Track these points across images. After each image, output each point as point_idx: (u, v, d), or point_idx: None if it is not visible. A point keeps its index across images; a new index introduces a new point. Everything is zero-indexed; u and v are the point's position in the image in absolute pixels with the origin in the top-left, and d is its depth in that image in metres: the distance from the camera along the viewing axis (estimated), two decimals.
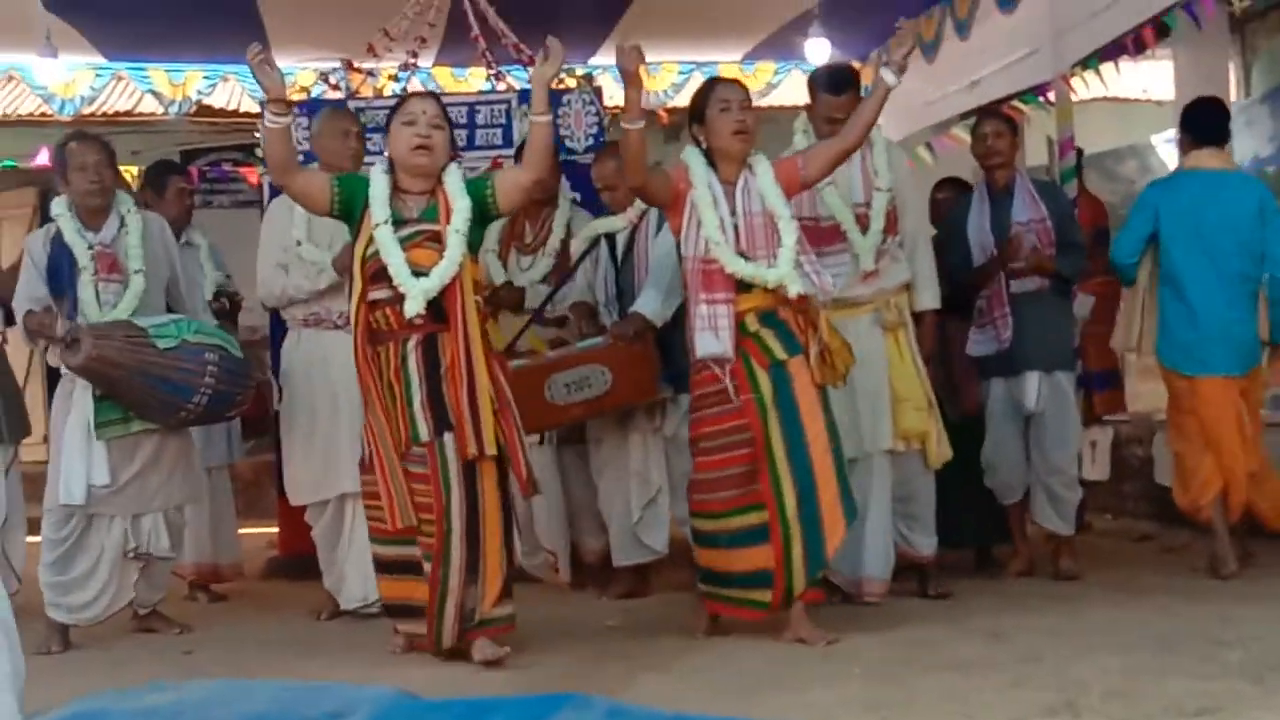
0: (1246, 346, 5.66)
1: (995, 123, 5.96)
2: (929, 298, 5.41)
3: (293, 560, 6.51)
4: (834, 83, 5.23)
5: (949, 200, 6.37)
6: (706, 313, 4.55)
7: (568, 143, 6.80)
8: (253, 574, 6.91)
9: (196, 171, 10.17)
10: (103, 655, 4.94)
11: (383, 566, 4.59)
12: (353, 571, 5.40)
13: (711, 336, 4.53)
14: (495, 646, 4.34)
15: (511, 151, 6.68)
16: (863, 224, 5.18)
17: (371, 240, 4.39)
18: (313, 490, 5.52)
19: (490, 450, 4.33)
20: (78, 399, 5.00)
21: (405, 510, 4.36)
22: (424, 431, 4.34)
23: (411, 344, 4.38)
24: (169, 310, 5.26)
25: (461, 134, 6.79)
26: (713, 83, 4.88)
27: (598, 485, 5.79)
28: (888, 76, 4.67)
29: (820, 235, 5.16)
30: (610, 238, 5.76)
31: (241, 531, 8.19)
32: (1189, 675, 3.67)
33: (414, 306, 4.33)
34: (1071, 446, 5.79)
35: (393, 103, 6.73)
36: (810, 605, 4.57)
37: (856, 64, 9.84)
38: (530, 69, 7.24)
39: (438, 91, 8.49)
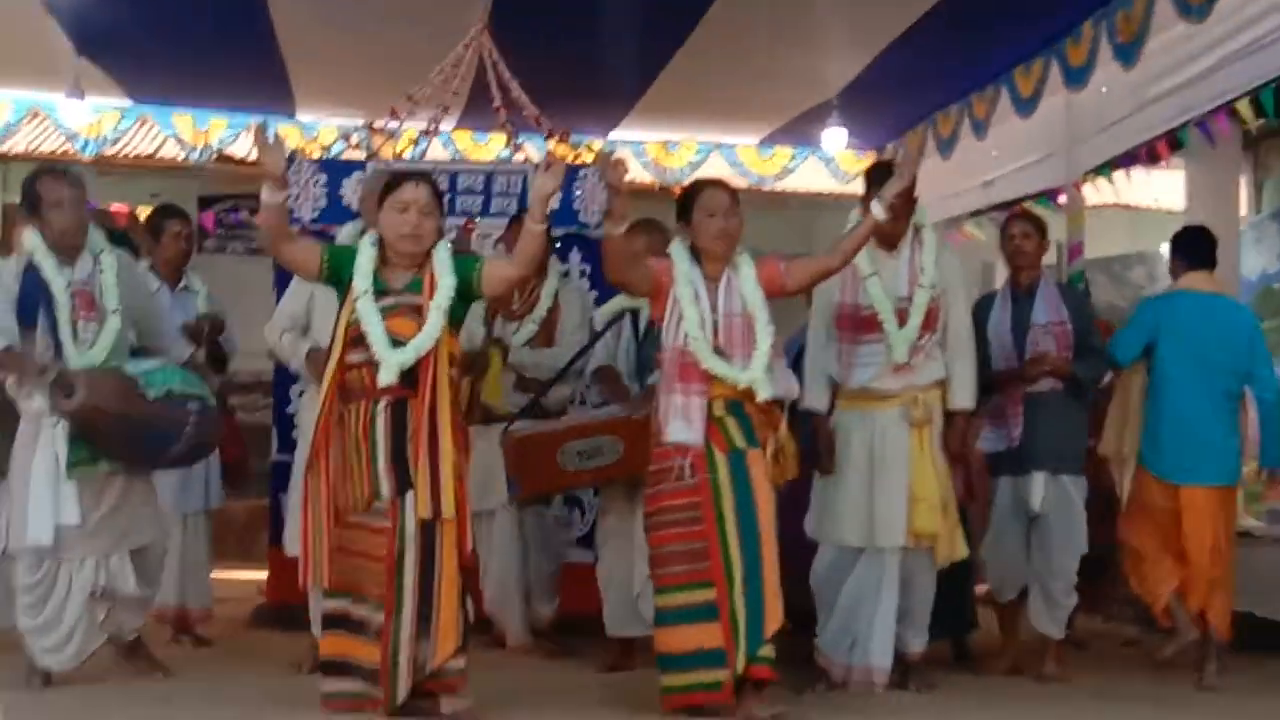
0: (1231, 460, 5.90)
1: (1024, 224, 6.02)
2: (964, 397, 5.42)
3: (280, 609, 6.48)
4: (886, 177, 5.24)
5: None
6: (681, 403, 4.72)
7: (581, 216, 6.86)
8: (240, 620, 6.89)
9: (213, 217, 10.25)
10: (81, 696, 4.92)
11: (333, 622, 4.62)
12: None
13: (684, 425, 4.71)
14: (463, 701, 4.51)
15: None
16: (901, 318, 5.26)
17: (355, 307, 4.56)
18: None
19: (448, 514, 4.47)
20: (45, 437, 4.95)
21: (319, 569, 4.55)
22: (386, 489, 4.50)
23: (381, 405, 4.54)
24: (135, 349, 5.29)
25: (477, 200, 6.91)
26: (700, 186, 5.01)
27: (599, 554, 5.79)
28: (877, 211, 4.89)
29: (859, 324, 5.30)
30: (635, 313, 5.80)
31: (232, 576, 8.26)
32: None
33: (387, 376, 4.50)
34: (1074, 551, 5.73)
35: (411, 166, 6.97)
36: (762, 683, 4.66)
37: (873, 153, 10.03)
38: (548, 141, 7.36)
39: (457, 159, 8.62)
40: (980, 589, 6.30)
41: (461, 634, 4.49)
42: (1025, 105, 7.97)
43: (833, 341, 5.42)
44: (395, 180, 4.74)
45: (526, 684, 5.33)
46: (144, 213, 9.52)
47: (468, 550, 4.54)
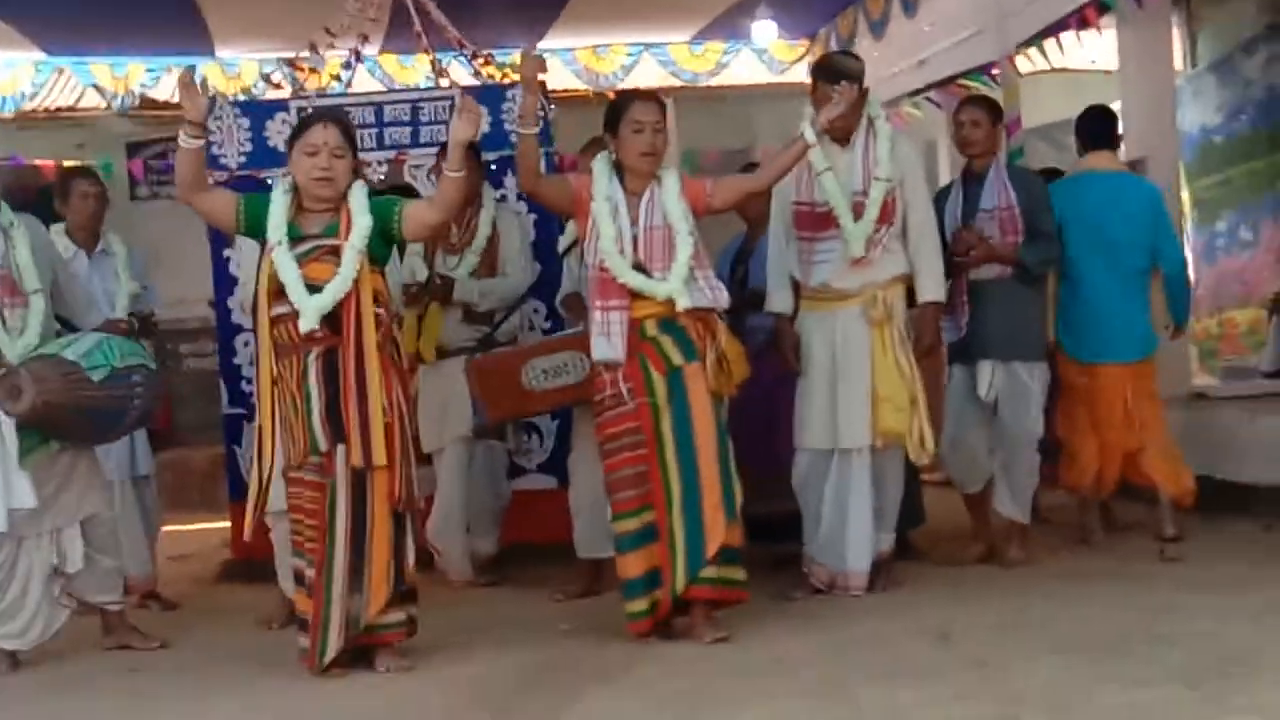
0: (1142, 334, 6.09)
1: (973, 110, 5.96)
2: (932, 288, 5.38)
3: (247, 564, 6.45)
4: (832, 73, 5.20)
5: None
6: (601, 319, 4.74)
7: (513, 138, 6.72)
8: (208, 577, 6.87)
9: (142, 164, 10.06)
10: (51, 675, 4.91)
11: (300, 580, 4.63)
12: None
13: (605, 341, 4.72)
14: (397, 659, 4.53)
15: None
16: (858, 212, 5.21)
17: (272, 258, 4.51)
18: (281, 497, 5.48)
19: (379, 462, 4.45)
20: None
21: (249, 527, 4.73)
22: (322, 442, 4.47)
23: (312, 357, 4.50)
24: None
25: (406, 132, 6.81)
26: (629, 99, 4.92)
27: (571, 478, 5.79)
28: (808, 135, 4.88)
29: (815, 221, 5.27)
30: None
31: (195, 527, 8.24)
32: (1128, 682, 3.71)
33: (307, 322, 4.46)
34: (1032, 436, 5.77)
35: (335, 99, 6.84)
36: (713, 604, 4.70)
37: (805, 42, 9.92)
38: (473, 63, 7.22)
39: (386, 86, 8.46)
40: (934, 477, 6.38)
41: (393, 586, 4.49)
42: None
43: (792, 241, 5.38)
44: (303, 123, 4.66)
45: (489, 617, 5.36)
46: (71, 165, 9.37)
47: (397, 498, 4.50)
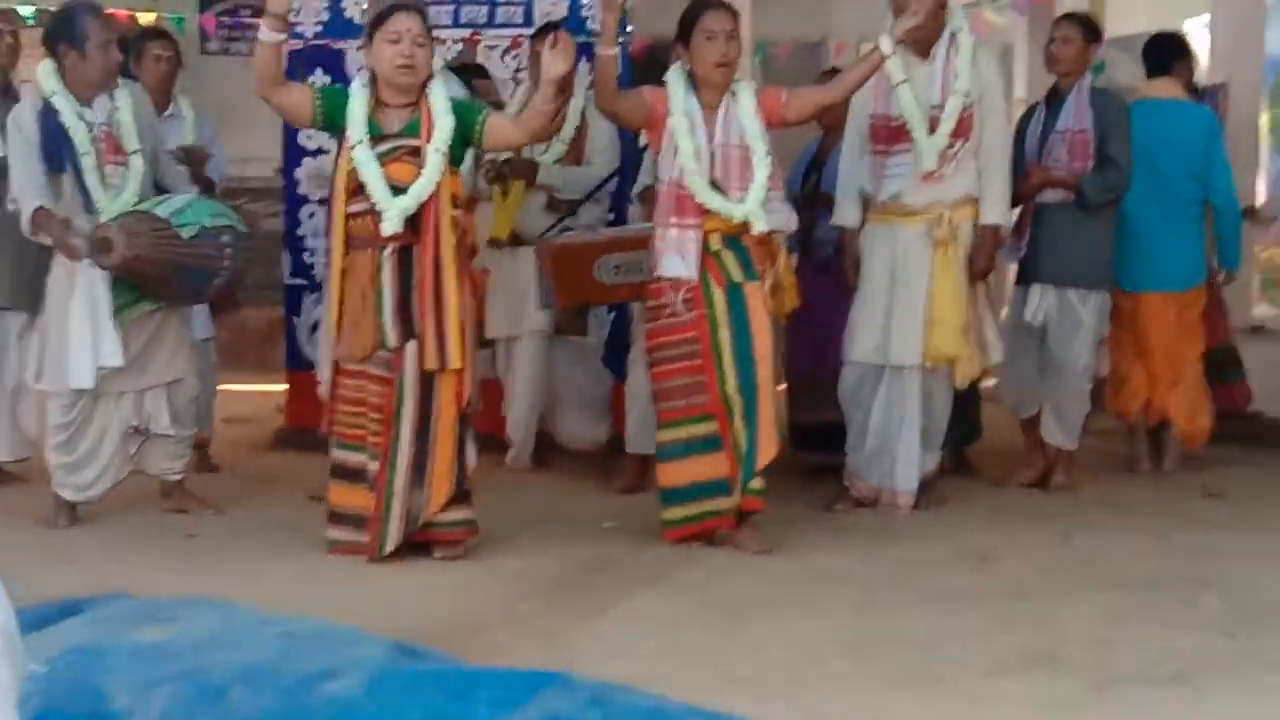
0: (1187, 266, 6.06)
1: (1065, 28, 5.86)
2: (996, 212, 5.28)
3: (300, 433, 6.56)
4: None
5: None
6: (675, 236, 4.70)
7: (589, 24, 6.67)
8: (261, 443, 7.00)
9: (214, 19, 10.03)
10: (108, 535, 5.05)
11: (339, 472, 4.69)
12: None
13: (679, 260, 4.69)
14: (452, 549, 4.62)
15: (530, 31, 6.58)
16: (933, 126, 5.14)
17: (351, 156, 4.50)
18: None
19: (454, 364, 4.51)
20: (82, 279, 4.91)
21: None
22: (391, 338, 4.51)
23: (387, 253, 4.52)
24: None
25: (482, 11, 6.74)
26: (701, 7, 4.78)
27: (629, 372, 5.81)
28: (885, 46, 4.74)
29: (890, 134, 5.22)
30: None
31: (250, 388, 8.36)
32: (1167, 625, 3.77)
33: (390, 226, 4.48)
34: (1079, 364, 5.74)
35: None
36: (750, 514, 4.77)
37: None
38: None
39: None
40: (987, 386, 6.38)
41: (455, 485, 4.56)
42: None
43: (867, 155, 5.31)
44: (385, 11, 4.61)
45: (537, 508, 5.45)
46: (144, 17, 9.35)
47: (464, 400, 4.57)
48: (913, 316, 5.17)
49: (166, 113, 6.19)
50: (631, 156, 6.32)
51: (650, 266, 4.80)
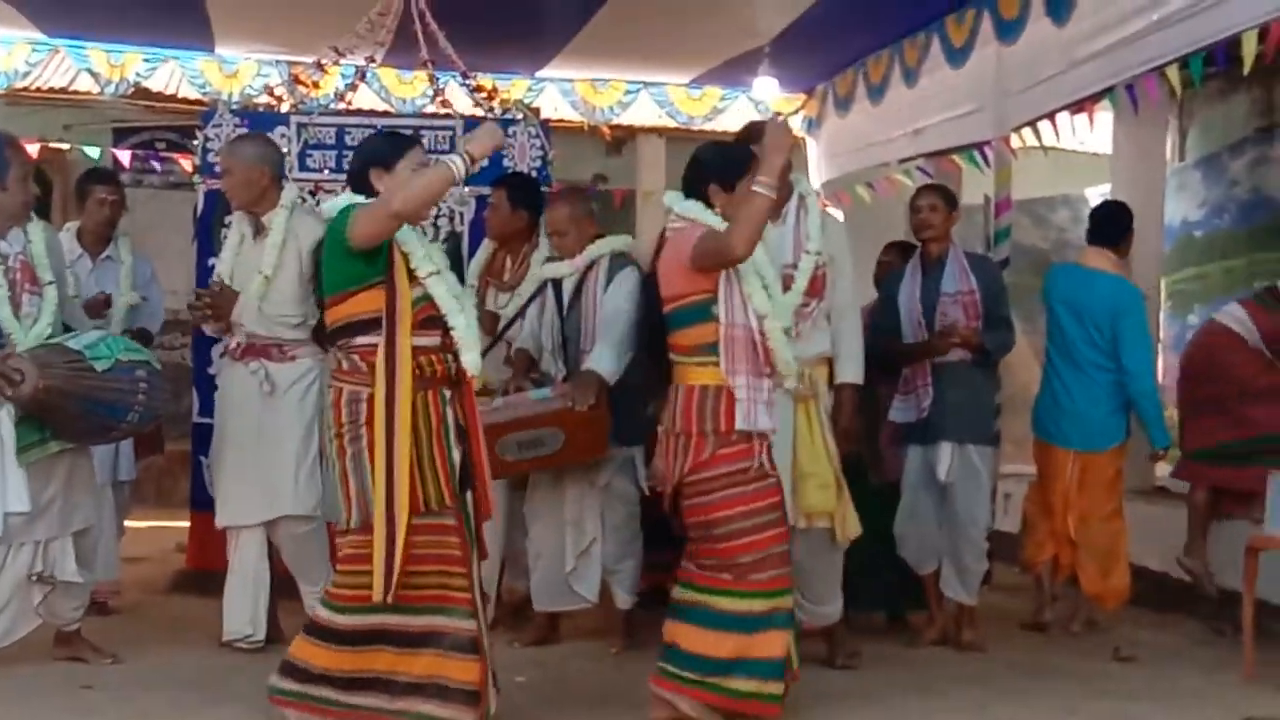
0: (1093, 428, 6.10)
1: (931, 196, 6.05)
2: (851, 371, 5.32)
3: (201, 575, 6.40)
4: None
5: (893, 263, 6.41)
6: (755, 385, 4.35)
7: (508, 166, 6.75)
8: (159, 584, 6.81)
9: (130, 151, 9.98)
10: (1, 684, 4.84)
11: (337, 637, 4.16)
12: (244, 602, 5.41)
13: (764, 411, 4.36)
14: None
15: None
16: (787, 284, 5.11)
17: (417, 284, 4.20)
18: (244, 514, 5.44)
19: (490, 512, 4.39)
20: None
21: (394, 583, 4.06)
22: (455, 489, 4.22)
23: (449, 397, 4.25)
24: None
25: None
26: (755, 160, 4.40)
27: (528, 529, 5.76)
28: (763, 189, 4.21)
29: None
30: (557, 284, 5.71)
31: (148, 524, 8.15)
32: None
33: (476, 366, 4.25)
34: (980, 520, 5.84)
35: (336, 118, 6.82)
36: None
37: (802, 96, 9.95)
38: (472, 93, 7.19)
39: (380, 111, 8.41)
40: None
41: None
42: (957, 55, 7.94)
43: None
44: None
45: None
46: (58, 148, 9.29)
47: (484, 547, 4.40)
48: (782, 475, 4.94)
49: (103, 255, 6.14)
50: None
51: (722, 423, 4.31)
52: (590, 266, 5.60)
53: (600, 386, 5.24)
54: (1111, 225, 6.30)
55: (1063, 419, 6.14)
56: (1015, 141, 8.31)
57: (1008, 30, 7.32)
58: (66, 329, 5.08)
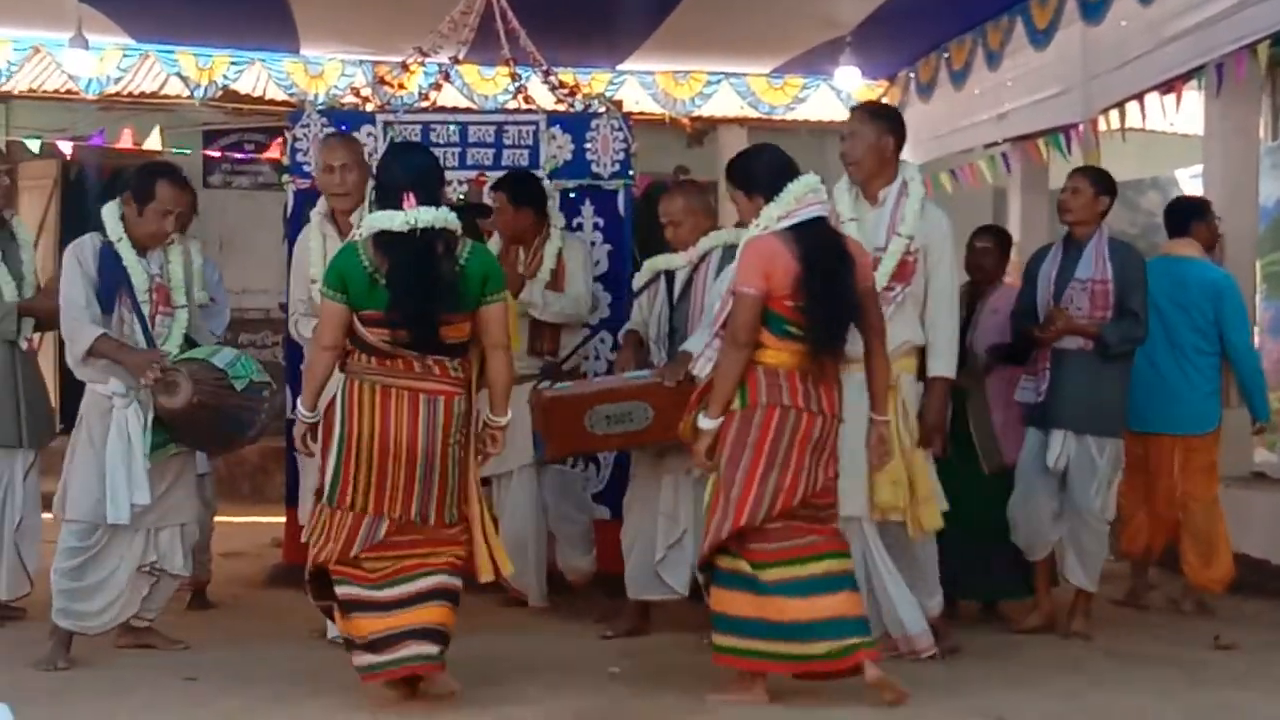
0: (1194, 411, 6.24)
1: (1074, 179, 5.93)
2: (942, 364, 5.25)
3: (298, 569, 6.47)
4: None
5: (988, 250, 6.34)
6: None
7: (593, 167, 6.78)
8: (256, 579, 6.93)
9: (220, 152, 10.15)
10: (105, 676, 4.96)
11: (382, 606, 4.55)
12: None
13: None
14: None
15: (538, 173, 6.67)
16: (875, 267, 5.05)
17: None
18: None
19: None
20: (119, 417, 4.97)
21: None
22: None
23: None
24: None
25: (488, 152, 6.82)
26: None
27: (625, 516, 5.79)
28: (704, 423, 4.58)
29: None
30: (670, 275, 5.74)
31: (244, 520, 8.29)
32: None
33: None
34: (1095, 506, 5.72)
35: (420, 116, 6.88)
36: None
37: (884, 83, 9.89)
38: (554, 88, 7.23)
39: (464, 109, 8.48)
40: None
41: None
42: (1040, 37, 7.84)
43: None
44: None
45: (540, 650, 5.39)
46: (151, 150, 9.48)
47: None
48: (856, 468, 5.00)
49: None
50: (619, 300, 6.49)
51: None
52: (702, 259, 5.60)
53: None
54: (1185, 216, 6.51)
55: (1163, 405, 6.15)
56: (1102, 120, 8.24)
57: (1093, 11, 7.22)
58: (190, 344, 5.26)
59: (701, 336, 5.15)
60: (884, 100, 9.84)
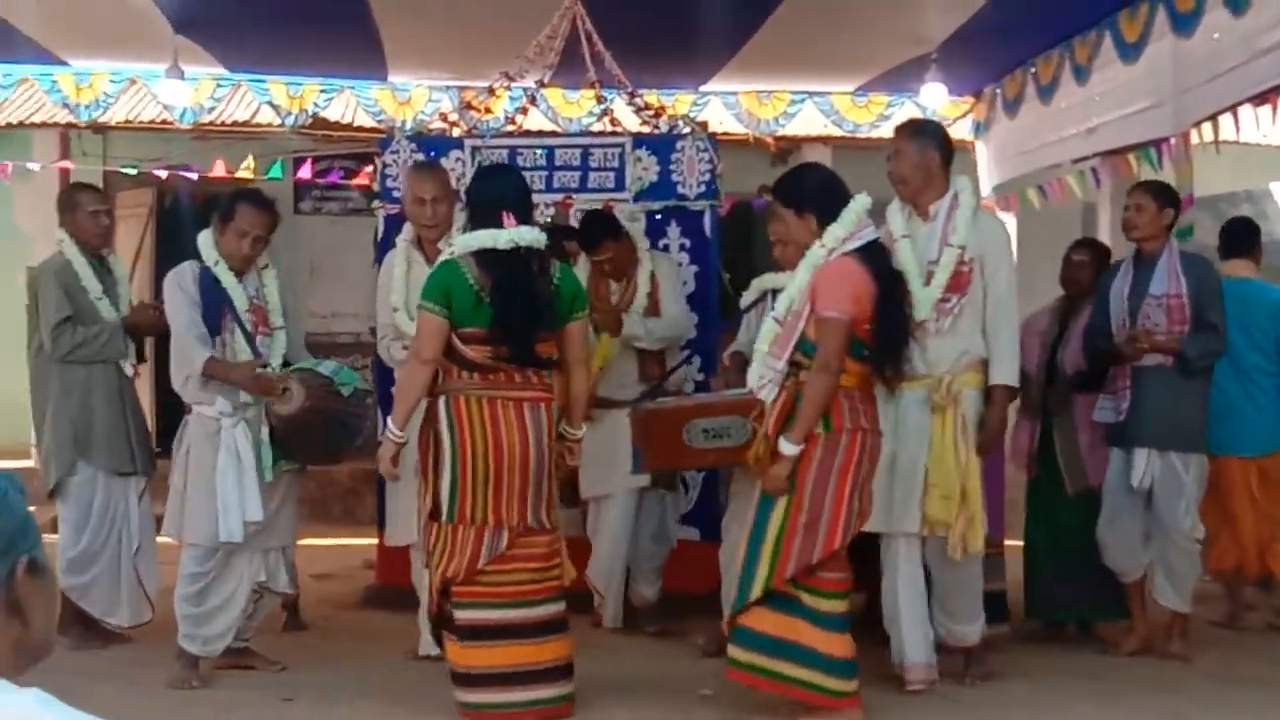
0: (1262, 431, 6.26)
1: (1135, 195, 5.89)
2: (1002, 372, 5.16)
3: (390, 590, 6.55)
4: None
5: (1085, 264, 6.28)
6: None
7: (679, 189, 6.80)
8: (350, 600, 6.99)
9: (309, 179, 10.31)
10: (205, 697, 5.05)
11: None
12: None
13: None
14: None
15: (624, 195, 6.72)
16: (929, 280, 5.10)
17: None
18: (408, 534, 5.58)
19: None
20: (227, 437, 5.06)
21: None
22: None
23: None
24: None
25: (574, 175, 6.86)
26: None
27: (724, 535, 5.81)
28: (785, 448, 4.58)
29: None
30: (776, 294, 5.74)
31: (334, 542, 8.39)
32: None
33: None
34: (1184, 525, 5.62)
35: (507, 140, 6.94)
36: None
37: (970, 99, 9.82)
38: (639, 110, 7.26)
39: (550, 131, 8.55)
40: None
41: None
42: (1130, 51, 7.74)
43: None
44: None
45: (631, 671, 5.41)
46: (243, 178, 9.64)
47: None
48: (911, 483, 5.03)
49: (250, 274, 6.34)
50: (706, 319, 6.53)
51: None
52: None
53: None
54: (1242, 237, 6.63)
55: (1230, 428, 6.09)
56: (1194, 137, 8.11)
57: (1184, 23, 7.12)
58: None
59: (759, 357, 5.04)
60: (970, 117, 9.80)
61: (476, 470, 4.55)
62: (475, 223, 4.68)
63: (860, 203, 4.65)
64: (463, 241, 4.68)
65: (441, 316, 4.55)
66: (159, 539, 5.79)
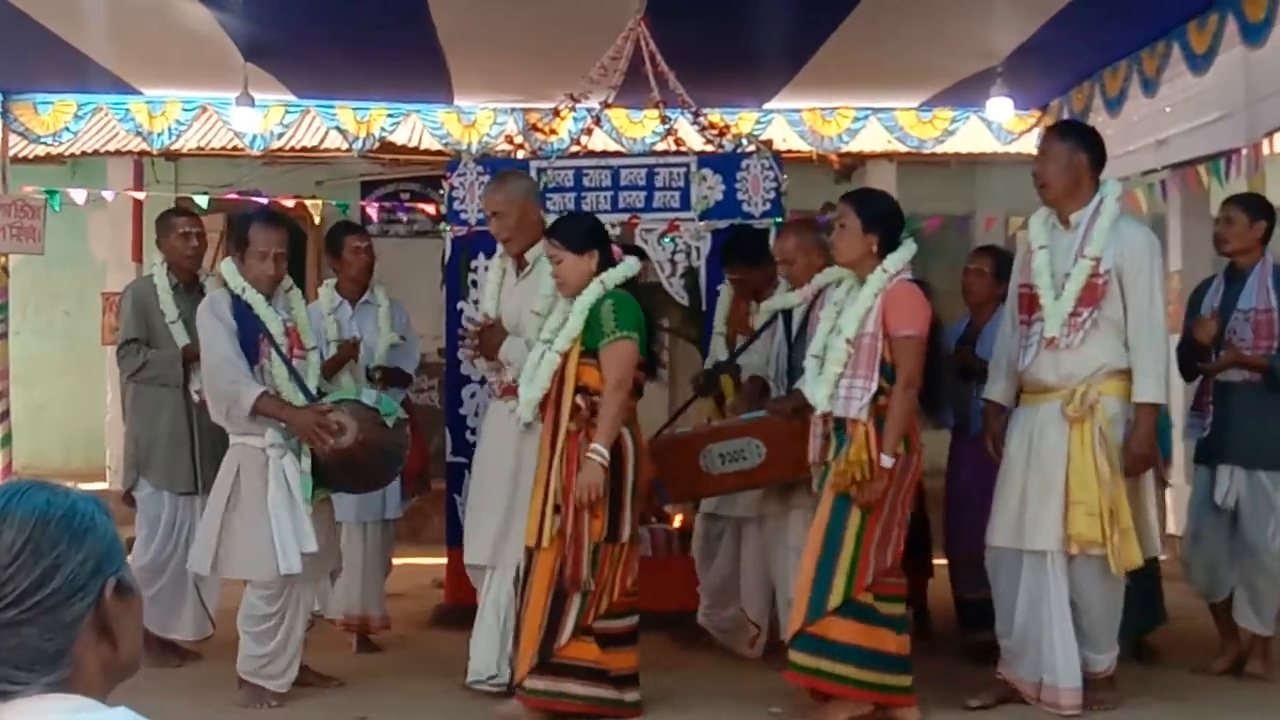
0: None
1: (1226, 208, 5.80)
2: (1148, 388, 4.94)
3: (460, 610, 6.57)
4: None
5: (982, 273, 6.19)
6: None
7: (745, 207, 6.80)
8: (419, 619, 7.03)
9: (377, 203, 10.41)
10: (279, 715, 5.13)
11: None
12: (490, 642, 5.42)
13: None
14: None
15: (689, 214, 6.73)
16: (1059, 292, 4.98)
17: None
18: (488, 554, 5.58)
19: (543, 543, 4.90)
20: (276, 468, 5.03)
21: None
22: None
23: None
24: None
25: (640, 195, 6.88)
26: None
27: (768, 562, 5.78)
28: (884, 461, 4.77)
29: (1029, 302, 5.10)
30: (787, 314, 5.76)
31: (406, 561, 8.42)
32: None
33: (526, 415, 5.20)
34: (1271, 545, 5.50)
35: (572, 162, 6.98)
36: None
37: (1036, 113, 9.76)
38: (702, 129, 7.27)
39: (615, 152, 8.59)
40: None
41: (539, 653, 4.82)
42: (1199, 62, 7.65)
43: (1017, 327, 5.18)
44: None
45: (702, 689, 5.43)
46: (312, 203, 9.76)
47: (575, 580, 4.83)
48: (1047, 497, 4.91)
49: (362, 300, 6.43)
50: None
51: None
52: (817, 295, 5.58)
53: (804, 402, 5.08)
54: None
55: None
56: (1265, 148, 8.01)
57: (1254, 33, 7.03)
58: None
59: (827, 377, 4.96)
60: (1036, 130, 9.73)
61: (636, 494, 4.93)
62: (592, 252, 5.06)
63: (911, 246, 4.93)
64: (618, 274, 4.93)
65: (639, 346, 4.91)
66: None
